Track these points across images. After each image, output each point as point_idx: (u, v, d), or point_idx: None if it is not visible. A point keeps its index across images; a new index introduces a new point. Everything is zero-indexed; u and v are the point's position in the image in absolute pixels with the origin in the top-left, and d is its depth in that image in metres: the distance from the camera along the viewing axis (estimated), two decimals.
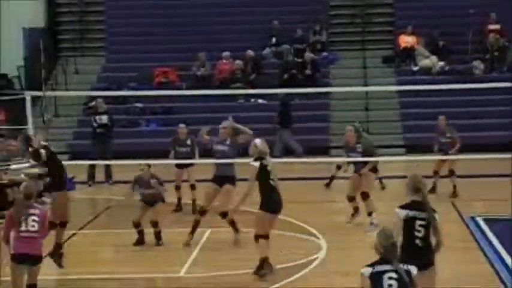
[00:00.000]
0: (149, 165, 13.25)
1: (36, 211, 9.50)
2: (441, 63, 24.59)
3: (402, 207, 8.37)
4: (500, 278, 11.12)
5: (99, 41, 27.13)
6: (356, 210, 14.50)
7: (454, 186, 16.78)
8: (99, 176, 19.10)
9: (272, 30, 25.75)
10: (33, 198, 9.63)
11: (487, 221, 14.32)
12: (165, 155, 15.94)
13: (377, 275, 6.60)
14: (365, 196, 14.23)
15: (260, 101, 23.51)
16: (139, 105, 23.92)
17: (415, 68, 24.81)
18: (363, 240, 12.59)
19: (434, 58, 24.73)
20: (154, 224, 13.10)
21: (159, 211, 13.22)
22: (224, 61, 24.75)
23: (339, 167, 17.86)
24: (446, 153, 16.90)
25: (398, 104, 23.87)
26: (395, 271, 6.57)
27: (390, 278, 6.58)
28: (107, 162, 18.60)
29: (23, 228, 9.37)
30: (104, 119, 19.36)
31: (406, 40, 25.22)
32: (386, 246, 6.70)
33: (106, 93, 22.15)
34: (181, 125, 16.18)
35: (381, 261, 6.67)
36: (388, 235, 6.76)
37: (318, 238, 13.39)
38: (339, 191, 17.74)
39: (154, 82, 24.54)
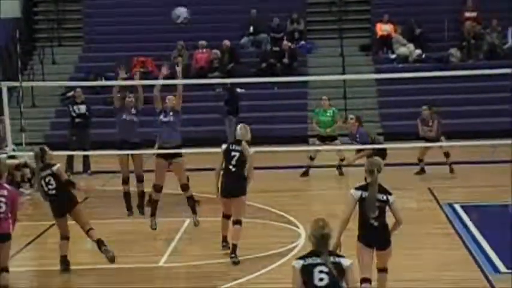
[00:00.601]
0: None
1: (5, 192, 9.60)
2: (418, 51, 24.64)
3: (357, 188, 8.77)
4: (477, 263, 11.22)
5: (76, 30, 26.95)
6: None
7: (451, 167, 17.23)
8: (77, 166, 19.01)
9: (250, 19, 25.71)
10: (3, 179, 9.71)
11: (464, 207, 14.43)
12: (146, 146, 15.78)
13: (308, 268, 6.37)
14: None
15: (238, 90, 23.45)
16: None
17: (393, 56, 24.87)
18: None
19: (411, 46, 24.77)
20: (140, 178, 13.91)
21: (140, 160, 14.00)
22: (201, 50, 24.69)
23: (311, 158, 17.90)
24: (429, 142, 17.25)
25: (376, 92, 23.93)
26: (325, 264, 6.36)
27: (321, 271, 6.35)
28: (85, 152, 18.51)
29: None
30: (82, 108, 19.27)
31: (383, 28, 25.26)
32: (316, 237, 6.43)
33: (83, 83, 22.01)
34: None
35: (311, 254, 6.44)
36: (319, 226, 6.48)
37: (297, 227, 13.43)
38: (318, 179, 17.82)
39: (132, 72, 24.39)
